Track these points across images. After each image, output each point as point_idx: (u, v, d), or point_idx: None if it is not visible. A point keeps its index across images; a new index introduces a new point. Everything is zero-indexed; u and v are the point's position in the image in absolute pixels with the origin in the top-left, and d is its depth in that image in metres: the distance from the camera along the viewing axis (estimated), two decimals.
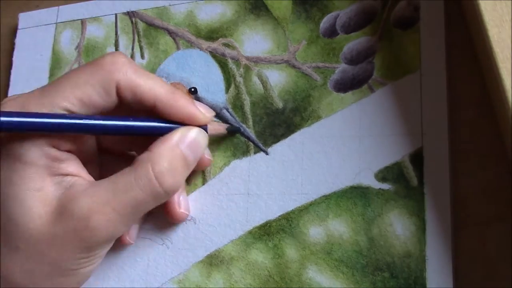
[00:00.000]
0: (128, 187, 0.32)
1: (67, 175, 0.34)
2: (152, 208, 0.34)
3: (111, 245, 0.35)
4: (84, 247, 0.33)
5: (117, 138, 0.38)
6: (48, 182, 0.33)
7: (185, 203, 0.38)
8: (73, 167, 0.34)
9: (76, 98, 0.33)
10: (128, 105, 0.35)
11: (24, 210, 0.32)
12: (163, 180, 0.33)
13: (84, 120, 0.33)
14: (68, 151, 0.34)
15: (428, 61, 0.35)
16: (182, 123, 0.35)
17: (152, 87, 0.35)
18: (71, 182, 0.33)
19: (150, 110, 0.35)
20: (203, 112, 0.36)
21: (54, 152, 0.33)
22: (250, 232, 0.37)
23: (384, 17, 0.37)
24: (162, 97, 0.35)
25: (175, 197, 0.37)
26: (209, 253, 0.37)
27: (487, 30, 0.28)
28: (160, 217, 0.39)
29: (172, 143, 0.34)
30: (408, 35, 0.36)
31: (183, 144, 0.34)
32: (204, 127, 0.36)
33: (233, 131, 0.39)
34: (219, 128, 0.38)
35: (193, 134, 0.35)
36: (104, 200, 0.32)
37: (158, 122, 0.35)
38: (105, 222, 0.32)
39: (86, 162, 0.36)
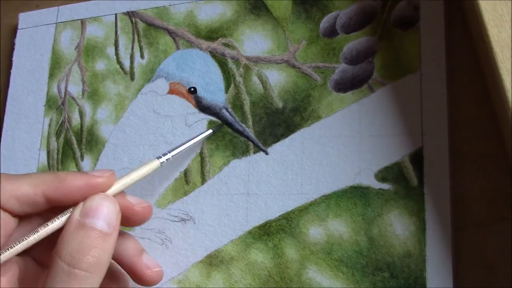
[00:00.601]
0: None
1: None
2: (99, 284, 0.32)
3: None
4: None
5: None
6: None
7: (151, 261, 0.36)
8: None
9: None
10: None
11: None
12: (77, 262, 0.30)
13: None
14: None
15: (428, 61, 0.35)
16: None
17: (32, 183, 0.33)
18: None
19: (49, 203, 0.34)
20: (99, 175, 0.34)
21: None
22: (250, 232, 0.37)
23: (384, 17, 0.37)
24: (46, 185, 0.33)
25: (138, 261, 0.36)
26: (209, 253, 0.37)
27: (487, 30, 0.28)
28: (159, 217, 0.39)
29: (73, 224, 0.32)
30: (408, 35, 0.36)
31: (86, 217, 0.32)
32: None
33: None
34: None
35: (91, 202, 0.32)
36: None
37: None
38: None
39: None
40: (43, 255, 0.35)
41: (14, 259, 0.34)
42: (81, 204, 0.33)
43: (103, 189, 0.34)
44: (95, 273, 0.31)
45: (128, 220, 0.35)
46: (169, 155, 0.36)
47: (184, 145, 0.38)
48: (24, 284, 0.34)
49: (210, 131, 0.39)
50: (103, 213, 0.32)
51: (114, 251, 0.33)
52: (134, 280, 0.36)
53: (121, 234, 0.35)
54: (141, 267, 0.35)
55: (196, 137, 0.38)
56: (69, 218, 0.32)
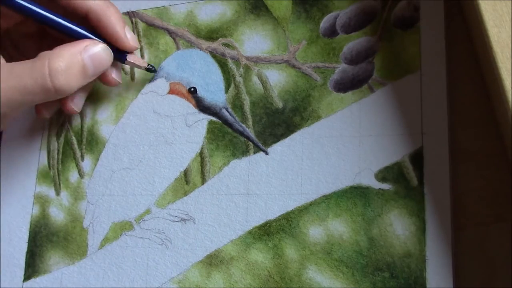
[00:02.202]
0: (23, 74, 0.35)
1: None
2: (42, 101, 0.37)
3: None
4: None
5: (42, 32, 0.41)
6: None
7: (78, 101, 0.41)
8: None
9: None
10: (65, 9, 0.39)
11: None
12: (56, 78, 0.35)
13: None
14: None
15: (428, 61, 0.35)
16: (107, 40, 0.39)
17: None
18: None
19: (83, 19, 0.39)
20: (129, 39, 0.39)
21: None
22: (250, 232, 0.37)
23: (384, 17, 0.37)
24: (95, 8, 0.38)
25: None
26: (209, 253, 0.37)
27: (487, 30, 0.28)
28: (159, 217, 0.39)
29: (75, 49, 0.37)
30: (408, 35, 0.36)
31: (86, 54, 0.37)
32: (125, 54, 0.40)
33: (150, 70, 0.41)
34: (139, 61, 0.41)
35: (98, 48, 0.38)
36: None
37: (76, 26, 0.39)
38: None
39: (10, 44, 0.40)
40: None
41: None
42: (91, 42, 0.38)
43: (124, 48, 0.40)
44: (58, 94, 0.37)
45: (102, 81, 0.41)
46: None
47: None
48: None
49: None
50: (100, 63, 0.38)
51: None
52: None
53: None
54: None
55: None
56: (75, 44, 0.37)
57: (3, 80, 0.35)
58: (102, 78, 0.40)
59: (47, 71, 0.35)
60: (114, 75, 0.41)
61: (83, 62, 0.37)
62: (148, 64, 0.41)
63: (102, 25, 0.38)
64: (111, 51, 0.39)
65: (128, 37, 0.39)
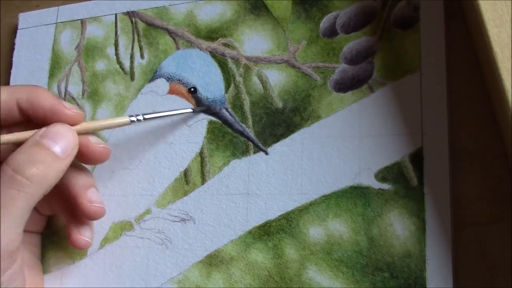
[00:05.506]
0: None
1: None
2: (35, 202, 0.33)
3: (15, 257, 0.34)
4: None
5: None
6: None
7: (96, 197, 0.38)
8: None
9: None
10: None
11: None
12: (22, 170, 0.33)
13: None
14: None
15: (428, 61, 0.35)
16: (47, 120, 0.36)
17: (8, 91, 0.36)
18: None
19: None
20: (68, 107, 0.36)
21: None
22: (250, 232, 0.37)
23: (384, 17, 0.37)
24: (20, 94, 0.36)
25: (83, 193, 0.37)
26: (209, 253, 0.37)
27: (487, 30, 0.28)
28: (159, 217, 0.39)
29: (31, 140, 0.34)
30: (408, 35, 0.36)
31: (44, 138, 0.34)
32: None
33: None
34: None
35: (53, 127, 0.35)
36: None
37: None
38: None
39: None
40: None
41: None
42: (44, 128, 0.35)
43: (67, 121, 0.36)
44: (36, 184, 0.33)
45: (87, 158, 0.37)
46: (141, 117, 0.38)
47: (158, 113, 0.39)
48: None
49: (190, 110, 0.40)
50: (61, 140, 0.35)
51: (66, 181, 0.37)
52: (77, 212, 0.38)
53: (77, 167, 0.38)
54: (83, 199, 0.37)
55: (174, 110, 0.39)
56: (30, 137, 0.35)
57: None
58: (84, 151, 0.37)
59: (10, 170, 0.33)
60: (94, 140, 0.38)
61: (44, 145, 0.34)
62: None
63: (35, 106, 0.36)
64: (66, 125, 0.36)
65: (66, 106, 0.37)
